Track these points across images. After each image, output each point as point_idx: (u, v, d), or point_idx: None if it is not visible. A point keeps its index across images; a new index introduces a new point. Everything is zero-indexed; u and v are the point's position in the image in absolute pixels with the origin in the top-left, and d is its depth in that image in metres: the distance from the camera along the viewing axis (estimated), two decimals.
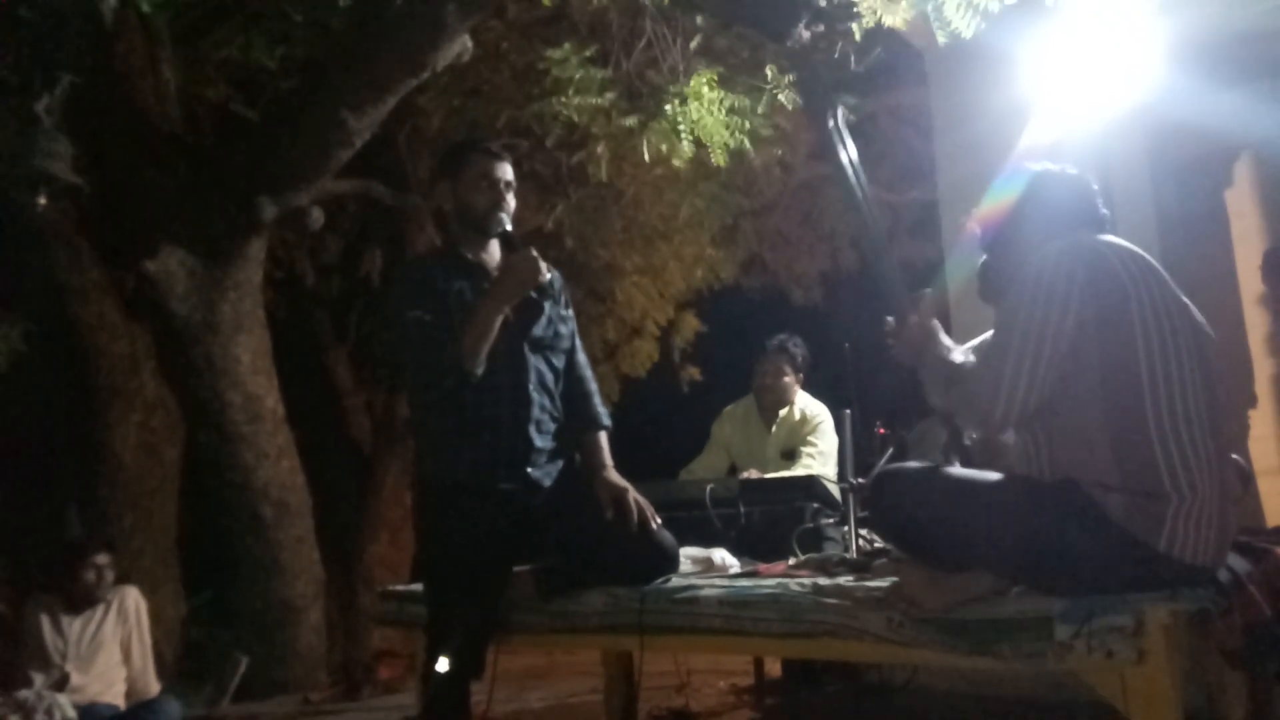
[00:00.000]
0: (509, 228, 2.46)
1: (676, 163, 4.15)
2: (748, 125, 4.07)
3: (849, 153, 2.21)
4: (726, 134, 4.00)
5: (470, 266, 2.48)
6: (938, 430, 2.40)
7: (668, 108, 4.01)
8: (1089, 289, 1.80)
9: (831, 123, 2.26)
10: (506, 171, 2.49)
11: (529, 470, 2.43)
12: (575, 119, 4.30)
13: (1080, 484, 1.78)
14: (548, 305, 2.49)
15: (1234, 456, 1.92)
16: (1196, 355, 1.82)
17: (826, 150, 2.27)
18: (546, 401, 2.48)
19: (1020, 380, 1.80)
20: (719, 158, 4.03)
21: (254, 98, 5.03)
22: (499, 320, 2.34)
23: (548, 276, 2.40)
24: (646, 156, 4.27)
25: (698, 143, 4.04)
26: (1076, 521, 1.75)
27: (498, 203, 2.45)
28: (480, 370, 2.32)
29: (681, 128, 3.98)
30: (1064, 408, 1.81)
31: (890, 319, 2.10)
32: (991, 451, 2.05)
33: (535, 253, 2.37)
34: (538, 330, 2.46)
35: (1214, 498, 1.76)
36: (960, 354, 2.00)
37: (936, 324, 2.04)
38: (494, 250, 2.53)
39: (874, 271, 2.12)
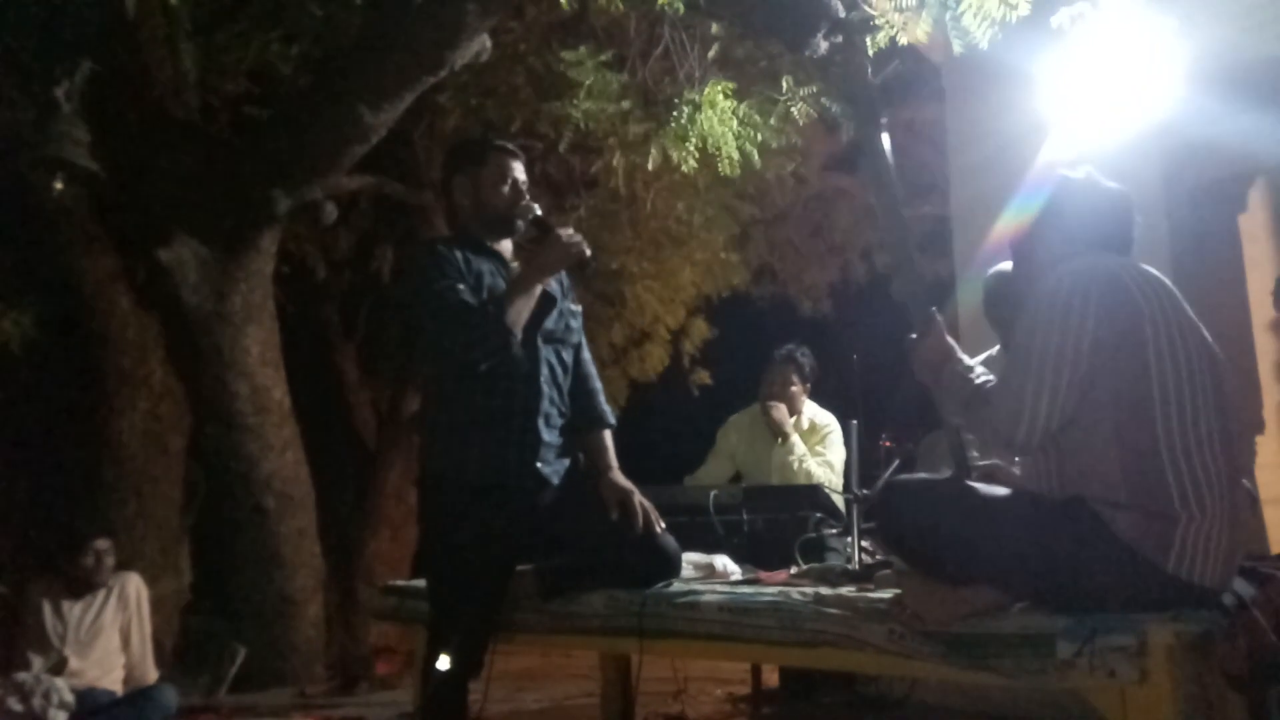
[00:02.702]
0: (539, 213, 2.48)
1: (685, 169, 4.14)
2: (760, 136, 4.07)
3: (889, 162, 2.22)
4: (737, 143, 3.99)
5: (490, 252, 2.50)
6: (944, 446, 2.40)
7: (675, 114, 4.01)
8: (1103, 310, 1.79)
9: (878, 131, 2.27)
10: (523, 170, 2.52)
11: (538, 465, 2.43)
12: (589, 123, 4.31)
13: (1089, 501, 1.77)
14: (558, 298, 2.50)
15: (1243, 482, 1.91)
16: (1210, 379, 1.82)
17: (866, 158, 2.30)
18: (555, 396, 2.48)
19: (1041, 403, 1.79)
20: (725, 166, 4.03)
21: (271, 91, 5.05)
22: (539, 291, 2.35)
23: (589, 253, 2.40)
24: (650, 165, 4.28)
25: (707, 151, 4.04)
26: (1084, 538, 1.75)
27: (517, 201, 2.47)
28: (519, 336, 2.32)
29: (692, 136, 3.99)
30: (1075, 425, 1.81)
31: (912, 336, 2.09)
32: (998, 481, 2.04)
33: (573, 230, 2.39)
34: (549, 322, 2.47)
35: (1223, 519, 1.75)
36: (980, 371, 1.99)
37: (952, 342, 2.04)
38: (506, 243, 2.55)
39: (899, 284, 2.13)
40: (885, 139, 2.23)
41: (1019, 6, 2.87)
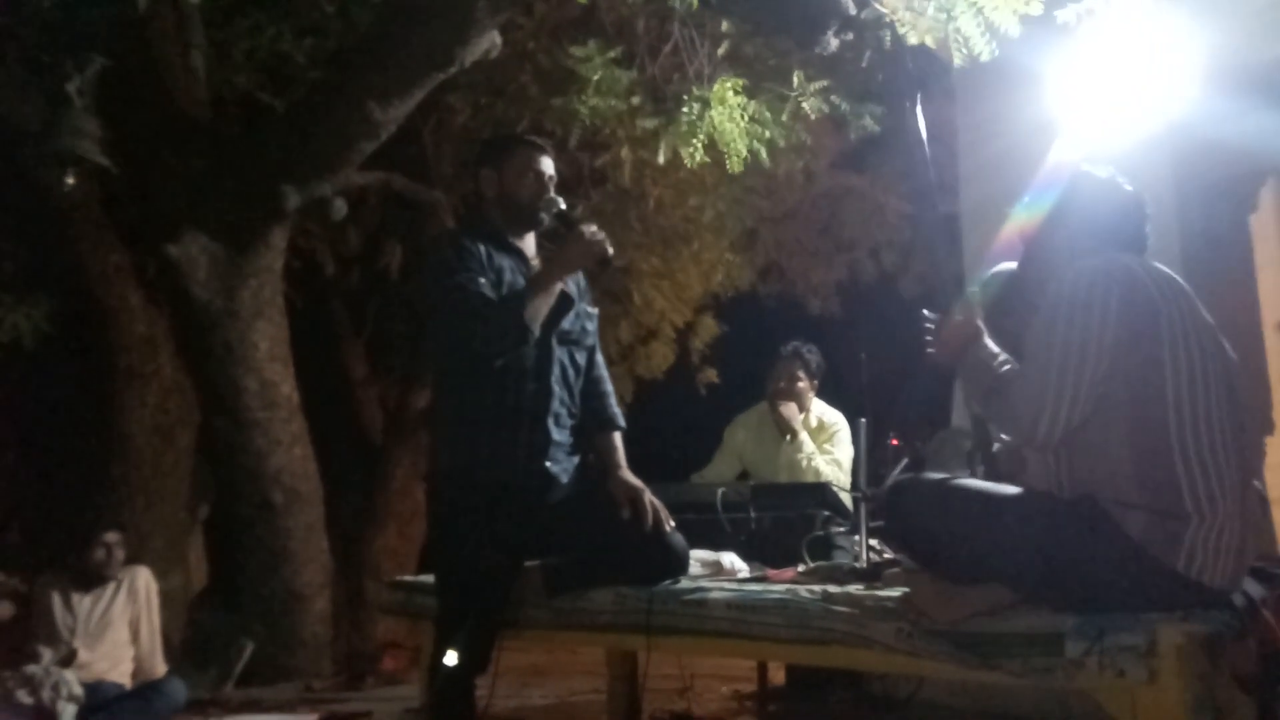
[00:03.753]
0: (564, 207, 2.48)
1: (690, 165, 4.14)
2: (768, 134, 4.06)
3: (923, 138, 2.22)
4: (745, 140, 3.99)
5: (511, 247, 2.50)
6: (958, 441, 2.38)
7: (684, 111, 4.01)
8: (1123, 307, 1.78)
9: (914, 106, 2.28)
10: (550, 166, 2.52)
11: (547, 464, 2.43)
12: (597, 120, 4.31)
13: (1099, 500, 1.77)
14: (575, 299, 2.50)
15: (1255, 483, 1.90)
16: (1222, 379, 1.81)
17: (907, 134, 2.31)
18: (566, 396, 2.49)
19: (1064, 398, 1.78)
20: (734, 164, 4.03)
21: (282, 87, 5.06)
22: (558, 289, 2.35)
23: (611, 251, 2.39)
24: (661, 159, 4.28)
25: (715, 147, 4.04)
26: (1093, 538, 1.74)
27: (542, 195, 2.47)
28: (537, 332, 2.32)
29: (701, 133, 3.98)
30: (1088, 424, 1.80)
31: (933, 315, 2.05)
32: (1018, 462, 2.03)
33: (596, 228, 2.38)
34: (566, 323, 2.47)
35: (1234, 520, 1.75)
36: (1004, 359, 1.96)
37: (981, 325, 2.01)
38: (529, 240, 2.55)
39: (919, 272, 2.13)
40: (919, 117, 2.23)
41: (1031, 5, 2.86)
